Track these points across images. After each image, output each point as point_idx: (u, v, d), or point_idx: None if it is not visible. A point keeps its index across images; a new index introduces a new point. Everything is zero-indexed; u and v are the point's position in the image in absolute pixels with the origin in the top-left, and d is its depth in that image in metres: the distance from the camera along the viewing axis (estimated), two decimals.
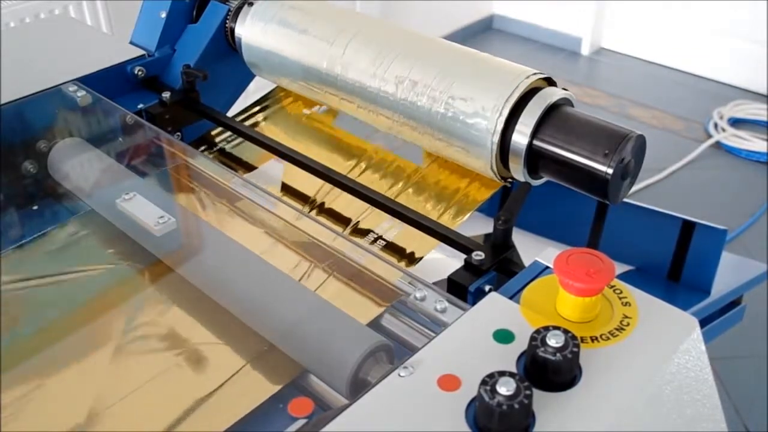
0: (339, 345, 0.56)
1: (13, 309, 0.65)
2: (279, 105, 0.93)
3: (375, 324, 0.60)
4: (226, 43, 0.90)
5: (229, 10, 0.88)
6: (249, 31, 0.85)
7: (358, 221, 0.77)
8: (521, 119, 0.64)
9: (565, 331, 0.43)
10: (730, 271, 1.18)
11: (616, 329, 0.48)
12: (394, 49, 0.73)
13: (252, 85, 0.98)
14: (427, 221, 0.69)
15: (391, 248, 0.74)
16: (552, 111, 0.64)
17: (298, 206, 0.80)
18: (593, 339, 0.47)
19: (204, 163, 0.78)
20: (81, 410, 0.56)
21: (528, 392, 0.40)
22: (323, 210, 0.80)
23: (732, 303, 1.17)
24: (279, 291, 0.62)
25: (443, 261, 0.75)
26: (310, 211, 0.80)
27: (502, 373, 0.40)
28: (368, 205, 0.74)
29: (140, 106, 0.87)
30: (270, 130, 0.90)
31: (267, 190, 0.73)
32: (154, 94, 0.88)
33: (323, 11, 0.81)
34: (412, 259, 0.72)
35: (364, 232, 0.76)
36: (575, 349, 0.43)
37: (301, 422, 0.51)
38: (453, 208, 0.75)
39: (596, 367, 0.45)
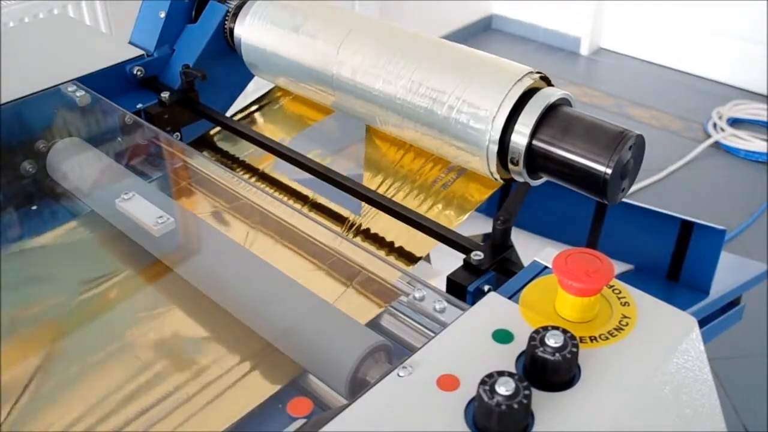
0: (338, 345, 0.56)
1: (11, 309, 0.65)
2: (277, 104, 0.93)
3: (374, 324, 0.60)
4: (225, 43, 0.90)
5: (228, 10, 0.88)
6: (248, 31, 0.85)
7: (355, 221, 0.77)
8: (520, 119, 0.64)
9: (564, 331, 0.43)
10: (729, 271, 1.19)
11: (615, 329, 0.48)
12: (392, 49, 0.73)
13: (251, 85, 0.98)
14: (427, 221, 0.69)
15: (390, 248, 0.74)
16: (551, 111, 0.64)
17: (297, 206, 0.80)
18: (592, 339, 0.47)
19: (203, 163, 0.78)
20: (79, 411, 0.56)
21: (527, 392, 0.40)
22: (316, 207, 0.80)
23: (731, 303, 1.18)
24: (278, 291, 0.62)
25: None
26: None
27: (501, 373, 0.40)
28: (367, 204, 0.74)
29: (139, 106, 0.87)
30: (268, 129, 0.90)
31: (266, 190, 0.73)
32: (153, 94, 0.88)
33: (322, 11, 0.81)
34: (411, 258, 0.72)
35: (363, 232, 0.76)
36: (574, 349, 0.43)
37: (300, 422, 0.51)
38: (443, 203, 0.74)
39: (595, 367, 0.45)
